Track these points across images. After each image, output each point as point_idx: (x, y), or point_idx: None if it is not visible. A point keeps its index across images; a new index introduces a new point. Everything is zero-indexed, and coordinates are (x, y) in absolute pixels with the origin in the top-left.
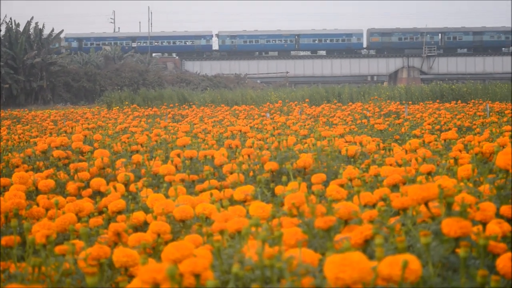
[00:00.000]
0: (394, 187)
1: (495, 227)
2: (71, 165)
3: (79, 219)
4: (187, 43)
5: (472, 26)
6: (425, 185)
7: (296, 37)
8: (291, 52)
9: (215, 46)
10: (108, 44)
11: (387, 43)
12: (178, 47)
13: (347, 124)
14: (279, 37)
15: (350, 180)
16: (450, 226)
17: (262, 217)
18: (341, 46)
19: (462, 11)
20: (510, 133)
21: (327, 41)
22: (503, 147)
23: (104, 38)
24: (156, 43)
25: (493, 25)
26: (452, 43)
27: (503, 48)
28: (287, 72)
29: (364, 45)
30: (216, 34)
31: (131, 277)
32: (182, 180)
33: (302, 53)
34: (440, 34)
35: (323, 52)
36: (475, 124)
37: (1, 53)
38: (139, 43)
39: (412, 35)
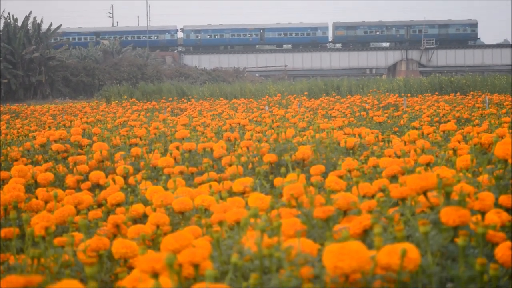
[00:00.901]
0: (393, 178)
1: (494, 217)
2: (70, 158)
3: (78, 212)
4: (152, 37)
5: (438, 19)
6: (424, 175)
7: (261, 31)
8: (256, 46)
9: (181, 41)
10: (73, 38)
11: (352, 37)
12: (143, 42)
13: (346, 116)
14: (244, 31)
15: (349, 171)
16: (449, 215)
17: (261, 208)
18: (306, 40)
19: (427, 5)
20: (509, 124)
21: (292, 35)
22: (502, 138)
23: (68, 34)
24: (121, 38)
25: (460, 17)
26: (418, 36)
27: (469, 41)
28: (285, 66)
29: (330, 39)
30: (180, 29)
31: (130, 268)
32: (181, 173)
33: (267, 47)
34: (406, 28)
35: (289, 46)
36: (474, 116)
37: (0, 48)
38: (103, 38)
39: (377, 28)
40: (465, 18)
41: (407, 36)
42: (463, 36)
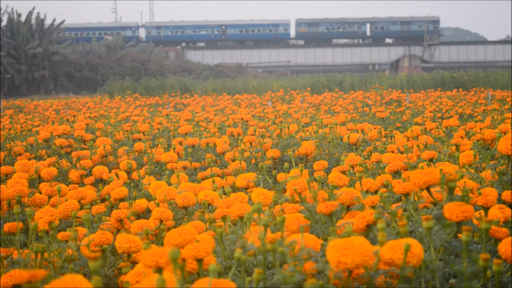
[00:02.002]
0: (396, 174)
1: (497, 212)
2: (74, 153)
3: (82, 207)
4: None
5: (400, 16)
6: (427, 170)
7: (223, 27)
8: (218, 42)
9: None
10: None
11: (315, 33)
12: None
13: (349, 112)
14: (206, 27)
15: (352, 167)
16: (452, 210)
17: (264, 203)
18: (268, 36)
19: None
20: (511, 120)
21: (254, 31)
22: (505, 134)
23: None
24: (82, 35)
25: (423, 14)
26: (380, 33)
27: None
28: (288, 61)
29: (292, 35)
30: (142, 25)
31: (133, 263)
32: (184, 168)
33: (229, 43)
34: (368, 24)
35: (251, 43)
36: (476, 112)
37: (3, 43)
38: (64, 34)
39: (339, 25)
40: (428, 15)
41: (370, 33)
42: (424, 32)
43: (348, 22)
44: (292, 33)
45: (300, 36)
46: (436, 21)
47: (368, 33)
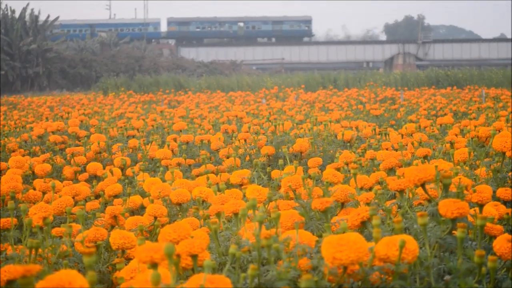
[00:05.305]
0: (391, 171)
1: (492, 209)
2: (68, 150)
3: (76, 203)
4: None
5: (272, 16)
6: (422, 167)
7: (91, 27)
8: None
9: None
10: None
11: (185, 32)
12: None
13: (343, 109)
14: (74, 26)
15: (347, 164)
16: (447, 207)
17: (258, 200)
18: (138, 35)
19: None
20: (506, 117)
21: (124, 30)
22: (499, 131)
23: None
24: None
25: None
26: (252, 32)
27: (304, 38)
28: (282, 59)
29: (164, 35)
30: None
31: (128, 259)
32: (179, 164)
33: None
34: (239, 24)
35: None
36: (470, 110)
37: None
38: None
39: (210, 24)
40: (301, 15)
41: (241, 32)
42: (297, 32)
43: (219, 21)
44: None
45: (171, 35)
46: (308, 21)
47: (240, 33)
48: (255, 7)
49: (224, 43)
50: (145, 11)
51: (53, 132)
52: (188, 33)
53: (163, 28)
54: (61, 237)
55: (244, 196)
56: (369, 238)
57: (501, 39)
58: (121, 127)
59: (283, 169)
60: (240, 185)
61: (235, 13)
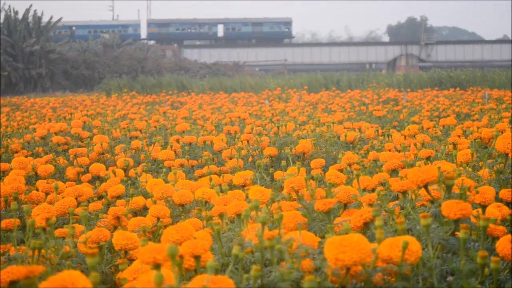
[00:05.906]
0: (393, 172)
1: (495, 210)
2: (71, 151)
3: (79, 204)
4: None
5: (253, 17)
6: (425, 168)
7: (72, 28)
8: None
9: None
10: None
11: (165, 34)
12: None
13: (346, 111)
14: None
15: (349, 165)
16: (450, 208)
17: (261, 201)
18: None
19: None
20: (509, 118)
21: (104, 32)
22: (502, 132)
23: None
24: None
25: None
26: (232, 34)
27: (284, 39)
28: (285, 60)
29: (144, 36)
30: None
31: (130, 260)
32: (182, 165)
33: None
34: (219, 25)
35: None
36: (473, 111)
37: (0, 41)
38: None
39: (190, 26)
40: (281, 16)
41: (222, 34)
42: (277, 34)
43: (199, 23)
44: (144, 34)
45: (151, 37)
46: (288, 22)
47: (220, 34)
48: (255, 8)
49: (227, 44)
50: (147, 12)
51: (56, 133)
52: (167, 34)
53: (143, 30)
54: (64, 238)
55: (247, 197)
56: (372, 239)
57: (504, 41)
58: (124, 128)
59: (285, 170)
60: (242, 186)
61: (246, 15)
